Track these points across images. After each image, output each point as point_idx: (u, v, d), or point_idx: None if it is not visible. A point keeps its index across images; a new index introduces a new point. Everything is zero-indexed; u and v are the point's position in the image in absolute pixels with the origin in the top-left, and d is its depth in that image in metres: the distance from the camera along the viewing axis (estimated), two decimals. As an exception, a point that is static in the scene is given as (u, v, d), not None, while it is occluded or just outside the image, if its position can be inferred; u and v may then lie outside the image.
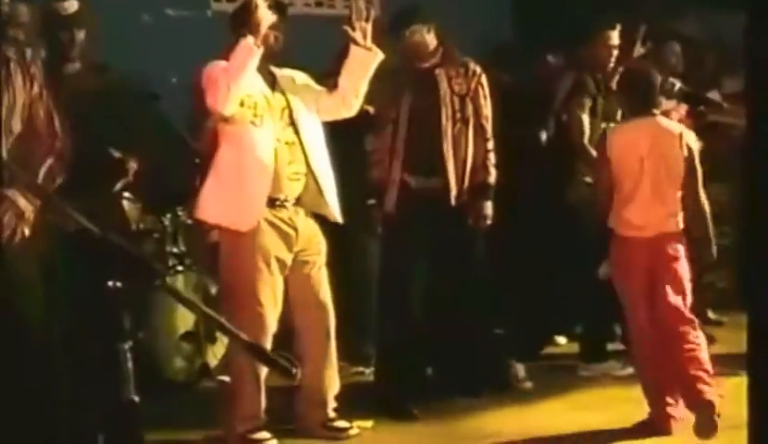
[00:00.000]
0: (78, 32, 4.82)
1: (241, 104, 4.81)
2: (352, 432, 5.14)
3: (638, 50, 6.38)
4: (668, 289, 4.95)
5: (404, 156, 5.49)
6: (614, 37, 6.27)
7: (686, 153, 4.99)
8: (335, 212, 5.05)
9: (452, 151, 5.54)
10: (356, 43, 4.94)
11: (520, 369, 5.99)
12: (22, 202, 3.75)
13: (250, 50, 4.65)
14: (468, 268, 5.67)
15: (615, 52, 6.27)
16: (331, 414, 5.13)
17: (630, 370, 6.05)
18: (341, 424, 5.14)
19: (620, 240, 5.05)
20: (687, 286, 5.01)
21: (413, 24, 5.53)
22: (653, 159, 4.95)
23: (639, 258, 4.98)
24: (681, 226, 5.01)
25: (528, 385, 5.93)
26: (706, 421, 4.76)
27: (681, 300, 4.97)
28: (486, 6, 8.28)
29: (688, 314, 4.98)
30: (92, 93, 4.83)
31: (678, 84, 6.62)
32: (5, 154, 3.78)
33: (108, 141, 4.90)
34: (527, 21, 8.49)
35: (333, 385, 5.14)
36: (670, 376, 4.98)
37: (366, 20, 4.92)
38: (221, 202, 4.87)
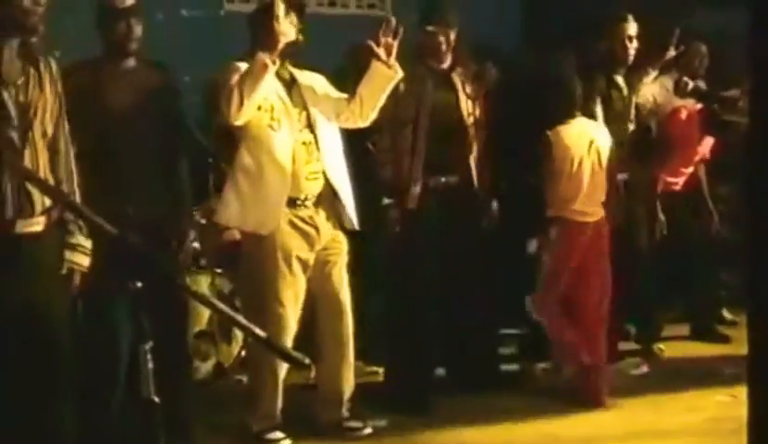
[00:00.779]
0: (135, 26, 4.73)
1: (258, 108, 4.81)
2: (365, 432, 5.14)
3: (670, 53, 6.26)
4: (600, 262, 5.66)
5: (425, 156, 5.50)
6: (630, 28, 6.13)
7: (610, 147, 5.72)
8: (352, 218, 5.05)
9: (472, 151, 5.61)
10: (379, 59, 4.94)
11: (536, 367, 6.00)
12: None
13: (265, 66, 4.65)
14: (485, 265, 5.70)
15: (634, 44, 6.14)
16: (345, 414, 5.14)
17: (645, 369, 6.07)
18: (355, 424, 5.15)
19: (569, 224, 5.61)
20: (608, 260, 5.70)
21: (439, 23, 5.52)
22: (592, 155, 5.62)
23: (583, 239, 5.60)
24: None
25: (545, 382, 5.94)
26: (587, 386, 5.51)
27: (608, 271, 5.66)
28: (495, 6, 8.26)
29: (609, 286, 5.67)
30: (150, 91, 4.80)
31: (692, 83, 6.61)
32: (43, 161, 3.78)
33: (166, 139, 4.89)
34: (537, 20, 8.49)
35: (349, 385, 5.15)
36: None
37: (394, 37, 4.90)
38: (241, 206, 4.89)
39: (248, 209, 4.89)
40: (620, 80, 6.17)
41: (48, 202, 3.70)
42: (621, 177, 6.02)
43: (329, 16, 7.91)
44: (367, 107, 5.01)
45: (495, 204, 5.74)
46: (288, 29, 4.81)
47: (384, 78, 4.97)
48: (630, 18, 6.16)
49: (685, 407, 5.44)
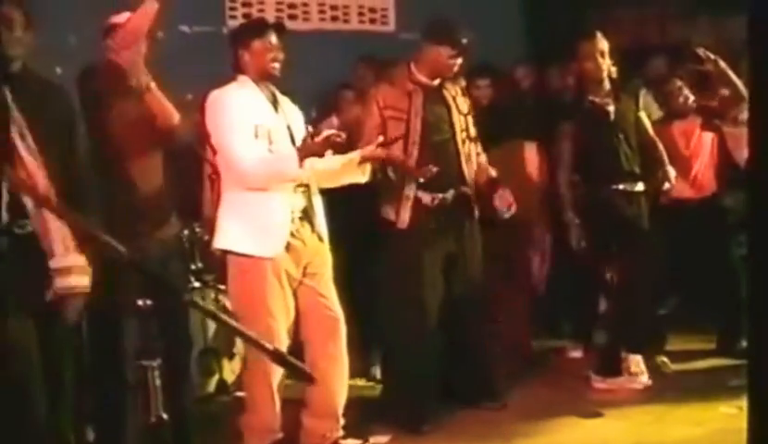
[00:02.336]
0: None
1: (256, 137, 4.79)
2: None
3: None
4: None
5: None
6: (600, 45, 6.02)
7: None
8: (322, 230, 5.00)
9: (467, 166, 5.58)
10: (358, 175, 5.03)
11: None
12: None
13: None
14: (484, 278, 5.69)
15: (605, 61, 6.04)
16: (340, 432, 5.07)
17: (648, 381, 6.06)
18: (352, 442, 5.09)
19: None
20: None
21: (461, 46, 5.43)
22: None
23: None
24: None
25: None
26: None
27: None
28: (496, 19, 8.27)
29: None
30: None
31: (692, 98, 6.61)
32: None
33: None
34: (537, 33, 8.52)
35: (343, 399, 5.08)
36: None
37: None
38: (242, 230, 4.83)
39: (251, 233, 4.81)
40: (597, 99, 6.09)
41: None
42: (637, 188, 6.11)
43: (331, 31, 7.92)
44: (318, 178, 4.99)
45: (508, 191, 5.65)
46: (280, 57, 4.87)
47: (351, 176, 5.04)
48: (599, 34, 6.04)
49: (690, 419, 5.41)
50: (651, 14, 7.85)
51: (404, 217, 5.45)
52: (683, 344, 6.71)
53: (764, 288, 2.29)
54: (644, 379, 6.05)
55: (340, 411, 5.07)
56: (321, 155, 4.79)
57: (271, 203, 4.81)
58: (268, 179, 4.76)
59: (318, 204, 4.98)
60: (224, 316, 2.66)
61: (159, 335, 2.39)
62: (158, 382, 2.41)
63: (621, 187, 6.06)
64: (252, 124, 4.80)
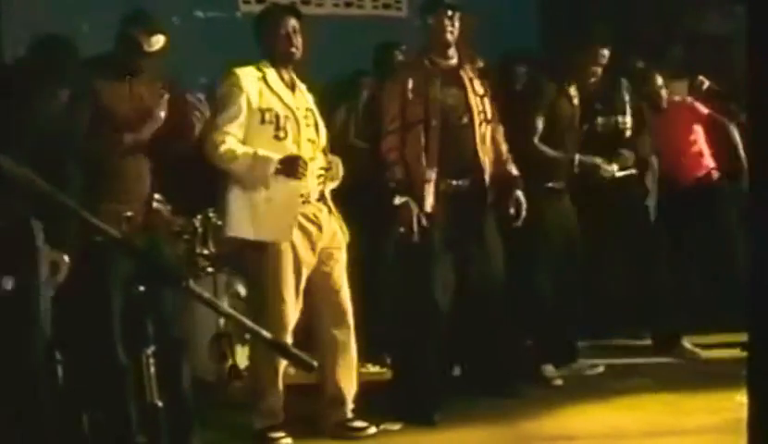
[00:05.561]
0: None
1: (261, 122, 4.85)
2: (370, 432, 5.12)
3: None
4: None
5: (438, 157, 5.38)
6: (604, 55, 6.17)
7: None
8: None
9: (482, 151, 5.52)
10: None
11: (548, 368, 5.97)
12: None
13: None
14: (498, 267, 5.64)
15: (600, 69, 6.18)
16: (349, 414, 5.12)
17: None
18: (359, 423, 5.12)
19: None
20: None
21: (442, 9, 5.43)
22: None
23: None
24: None
25: (559, 382, 5.93)
26: None
27: None
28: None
29: None
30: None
31: (707, 83, 6.60)
32: None
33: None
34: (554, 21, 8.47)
35: (352, 384, 5.12)
36: None
37: None
38: (253, 217, 4.86)
39: (261, 220, 4.85)
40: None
41: None
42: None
43: (345, 16, 7.90)
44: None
45: (521, 193, 5.59)
46: (298, 41, 4.93)
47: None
48: (601, 51, 6.15)
49: (704, 408, 5.38)
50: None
51: (429, 201, 5.36)
52: (697, 334, 6.68)
53: (764, 287, 2.28)
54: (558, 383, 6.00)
55: (350, 397, 5.10)
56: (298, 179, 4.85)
57: (279, 189, 4.83)
58: (234, 172, 4.87)
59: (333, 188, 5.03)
60: (221, 305, 2.65)
61: (154, 321, 2.38)
62: (153, 369, 2.38)
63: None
64: (257, 108, 4.86)
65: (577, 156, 6.07)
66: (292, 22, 4.98)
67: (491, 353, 5.72)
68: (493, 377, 5.70)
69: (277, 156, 4.81)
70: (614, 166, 6.19)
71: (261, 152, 4.82)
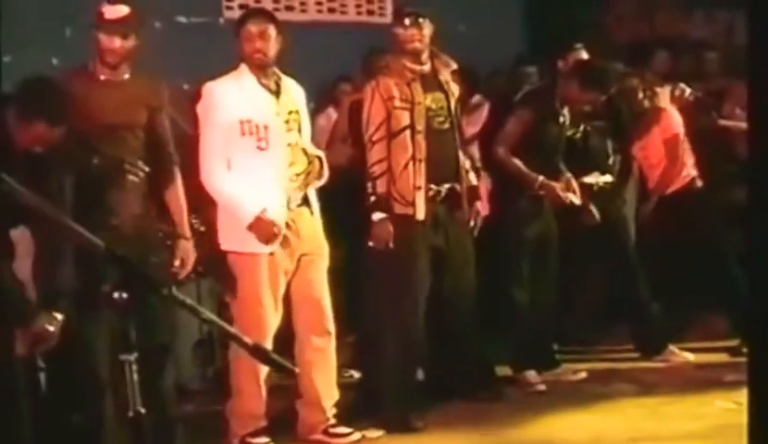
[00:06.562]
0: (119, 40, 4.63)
1: (242, 134, 4.82)
2: (353, 438, 5.11)
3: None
4: None
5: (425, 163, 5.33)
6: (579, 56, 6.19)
7: None
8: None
9: (464, 156, 5.53)
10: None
11: (531, 374, 5.98)
12: None
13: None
14: (473, 273, 5.61)
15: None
16: (332, 420, 5.11)
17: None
18: (342, 429, 5.11)
19: None
20: None
21: (411, 16, 5.37)
22: None
23: None
24: None
25: (542, 388, 5.92)
26: None
27: None
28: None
29: None
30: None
31: (688, 90, 6.62)
32: None
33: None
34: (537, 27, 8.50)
35: (333, 389, 5.11)
36: None
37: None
38: (239, 229, 4.84)
39: (241, 230, 4.83)
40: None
41: None
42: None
43: (328, 22, 7.90)
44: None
45: (480, 204, 5.63)
46: (264, 45, 4.86)
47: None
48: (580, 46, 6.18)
49: (687, 414, 5.40)
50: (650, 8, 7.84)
51: (421, 208, 5.31)
52: (678, 339, 6.69)
53: (764, 287, 2.28)
54: (540, 388, 5.99)
55: (330, 402, 5.09)
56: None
57: (258, 199, 4.81)
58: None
59: (313, 194, 5.02)
60: (204, 311, 2.64)
61: (136, 328, 2.36)
62: (135, 376, 2.37)
63: None
64: (237, 121, 4.82)
65: (540, 178, 5.91)
66: (262, 26, 4.90)
67: (471, 356, 5.70)
68: (472, 382, 5.67)
69: (254, 213, 4.77)
70: (572, 196, 6.02)
71: (242, 201, 4.82)
